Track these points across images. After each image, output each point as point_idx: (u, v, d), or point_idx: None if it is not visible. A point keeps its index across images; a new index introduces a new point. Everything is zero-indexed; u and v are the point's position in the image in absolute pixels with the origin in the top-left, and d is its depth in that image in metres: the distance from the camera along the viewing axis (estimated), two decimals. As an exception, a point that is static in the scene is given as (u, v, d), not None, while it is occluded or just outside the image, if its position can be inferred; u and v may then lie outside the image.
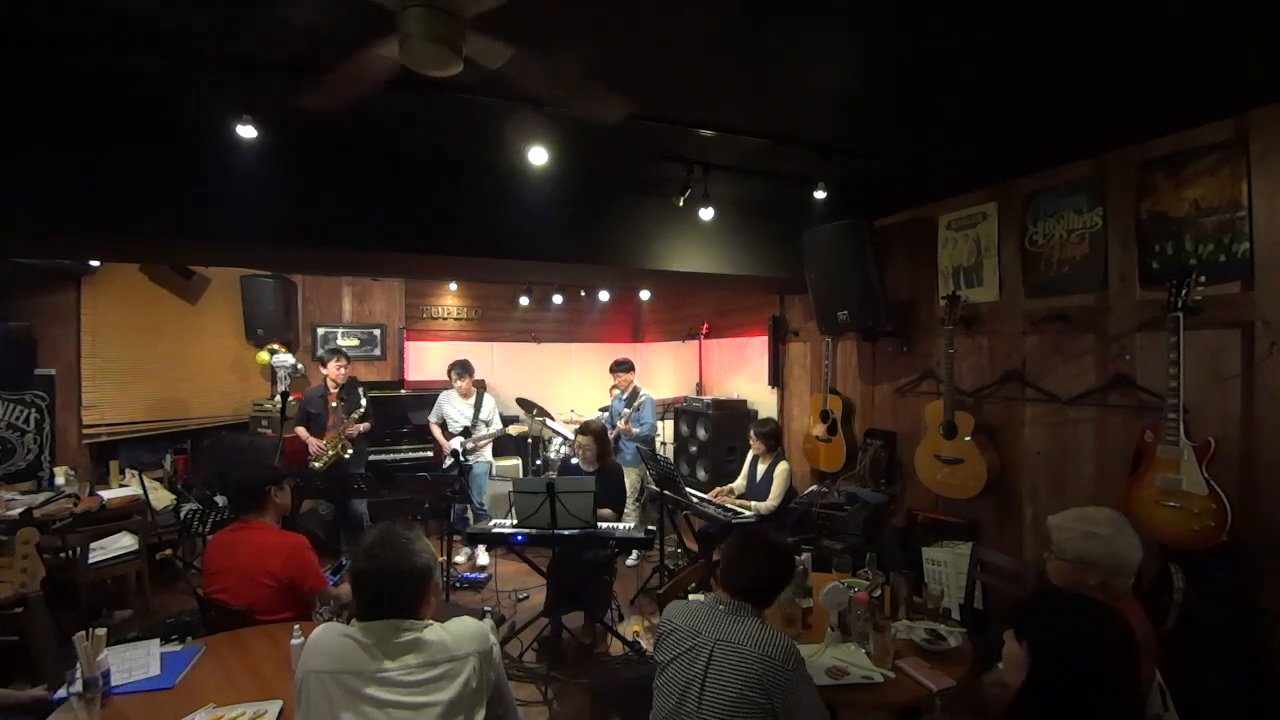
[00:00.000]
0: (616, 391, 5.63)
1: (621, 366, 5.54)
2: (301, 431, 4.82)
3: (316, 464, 4.73)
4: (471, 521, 4.82)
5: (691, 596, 2.56)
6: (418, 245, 3.51)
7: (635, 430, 5.29)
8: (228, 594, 2.39)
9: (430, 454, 5.89)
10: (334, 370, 4.85)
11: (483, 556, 5.02)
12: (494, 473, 5.47)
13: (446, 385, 5.41)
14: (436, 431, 5.35)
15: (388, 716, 1.46)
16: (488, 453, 5.41)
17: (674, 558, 4.78)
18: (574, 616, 3.77)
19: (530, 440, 6.16)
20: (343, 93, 2.05)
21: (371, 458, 5.27)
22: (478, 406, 5.28)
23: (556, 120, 2.57)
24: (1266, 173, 2.56)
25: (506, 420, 5.59)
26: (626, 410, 5.38)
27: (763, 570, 1.89)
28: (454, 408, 5.30)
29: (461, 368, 5.26)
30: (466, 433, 5.11)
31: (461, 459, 5.08)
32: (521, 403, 6.36)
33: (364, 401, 4.93)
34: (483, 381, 6.12)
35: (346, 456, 4.78)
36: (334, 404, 4.85)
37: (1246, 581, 2.54)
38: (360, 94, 2.05)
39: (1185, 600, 2.52)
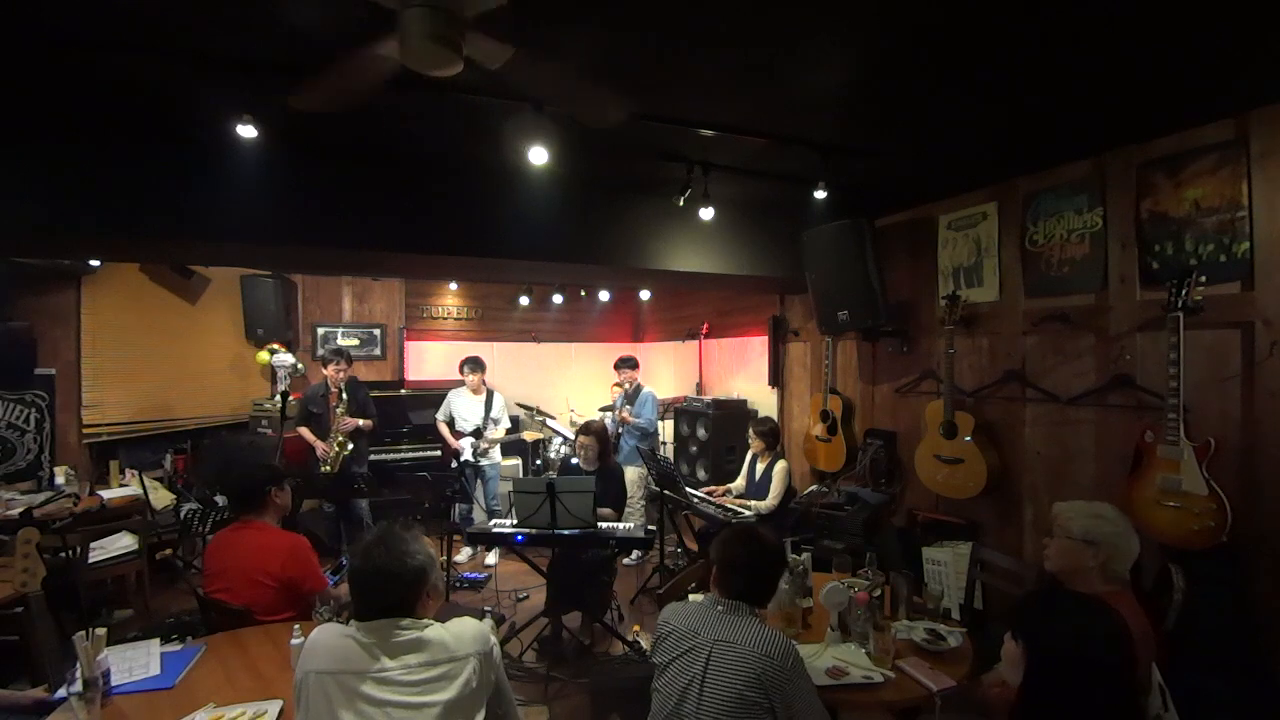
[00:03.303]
0: (618, 389, 5.62)
1: (626, 363, 5.54)
2: (306, 433, 4.82)
3: (326, 468, 4.73)
4: (477, 521, 4.82)
5: (691, 597, 2.56)
6: (418, 245, 3.51)
7: (633, 420, 5.29)
8: (228, 594, 2.38)
9: (431, 453, 5.89)
10: (331, 372, 4.85)
11: (491, 557, 5.03)
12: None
13: (446, 384, 5.41)
14: (444, 430, 5.34)
15: (387, 716, 1.46)
16: (497, 454, 5.42)
17: (674, 558, 4.78)
18: (574, 616, 3.77)
19: (527, 441, 6.17)
20: (341, 93, 2.04)
21: (372, 458, 5.27)
22: (488, 405, 5.28)
23: (557, 120, 2.57)
24: (1266, 173, 2.56)
25: (513, 420, 5.60)
26: (630, 406, 5.39)
27: (753, 573, 1.88)
28: (464, 405, 5.30)
29: (474, 363, 5.27)
30: (478, 433, 5.11)
31: (474, 460, 5.10)
32: (522, 407, 6.38)
33: (344, 395, 4.87)
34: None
35: (348, 451, 4.79)
36: (335, 404, 4.85)
37: (1246, 581, 2.55)
38: (359, 95, 2.04)
39: (1185, 600, 2.52)
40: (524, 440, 5.57)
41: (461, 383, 5.37)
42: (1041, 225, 3.40)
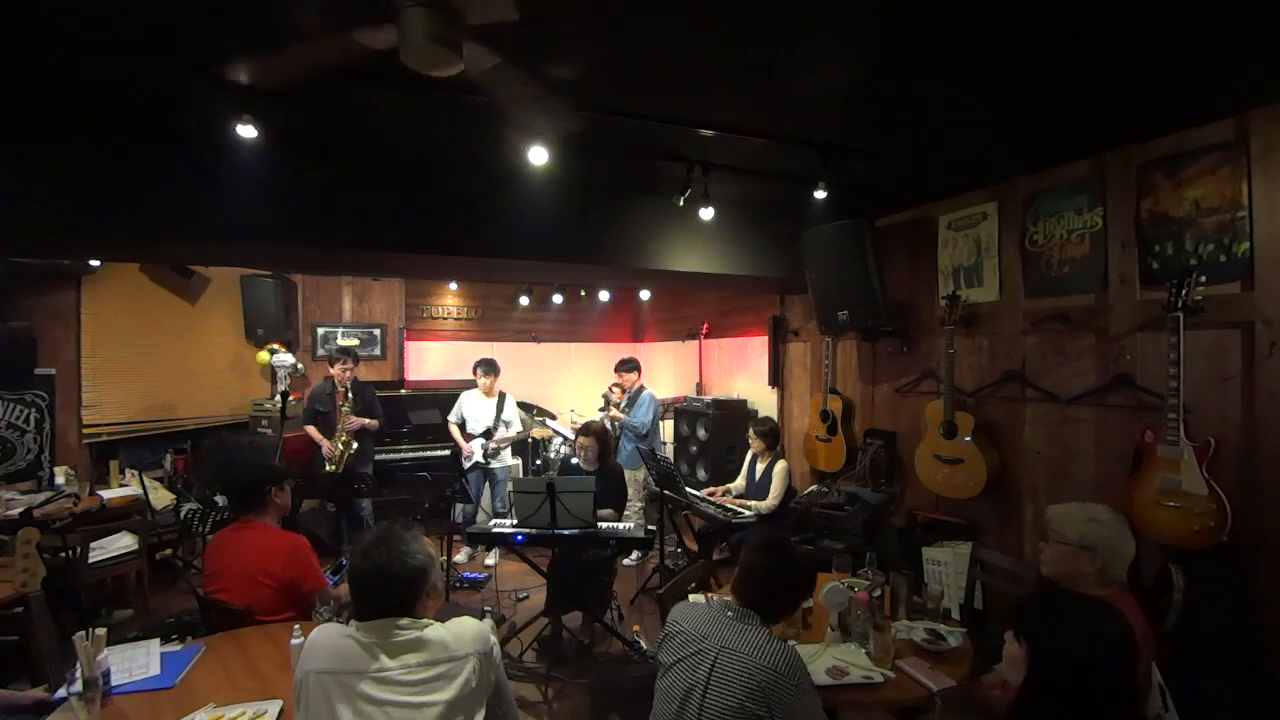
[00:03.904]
0: (619, 391, 5.60)
1: (626, 365, 5.53)
2: (313, 431, 4.85)
3: (331, 467, 4.74)
4: (479, 521, 4.84)
5: (692, 597, 2.56)
6: (418, 245, 3.51)
7: (624, 417, 5.29)
8: (228, 594, 2.38)
9: (431, 453, 5.89)
10: (338, 371, 4.88)
11: (491, 558, 5.04)
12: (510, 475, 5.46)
13: (447, 384, 5.40)
14: (455, 431, 5.34)
15: (387, 716, 1.46)
16: (508, 455, 5.41)
17: (674, 558, 4.78)
18: (574, 616, 3.77)
19: (531, 440, 6.17)
20: (303, 65, 1.99)
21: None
22: (499, 407, 5.28)
23: (557, 119, 2.56)
24: (1266, 173, 2.56)
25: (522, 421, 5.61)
26: (627, 410, 5.38)
27: (770, 586, 1.84)
28: (475, 407, 5.30)
29: (487, 366, 5.28)
30: (488, 434, 5.11)
31: (485, 461, 5.10)
32: (521, 405, 6.38)
33: (351, 395, 4.90)
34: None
35: (353, 451, 4.81)
36: (341, 403, 4.87)
37: (1246, 581, 2.54)
38: (317, 69, 1.97)
39: (1185, 600, 2.52)
40: (534, 439, 5.58)
41: (472, 384, 5.38)
42: (1041, 225, 3.40)
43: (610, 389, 5.66)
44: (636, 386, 5.50)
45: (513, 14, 1.69)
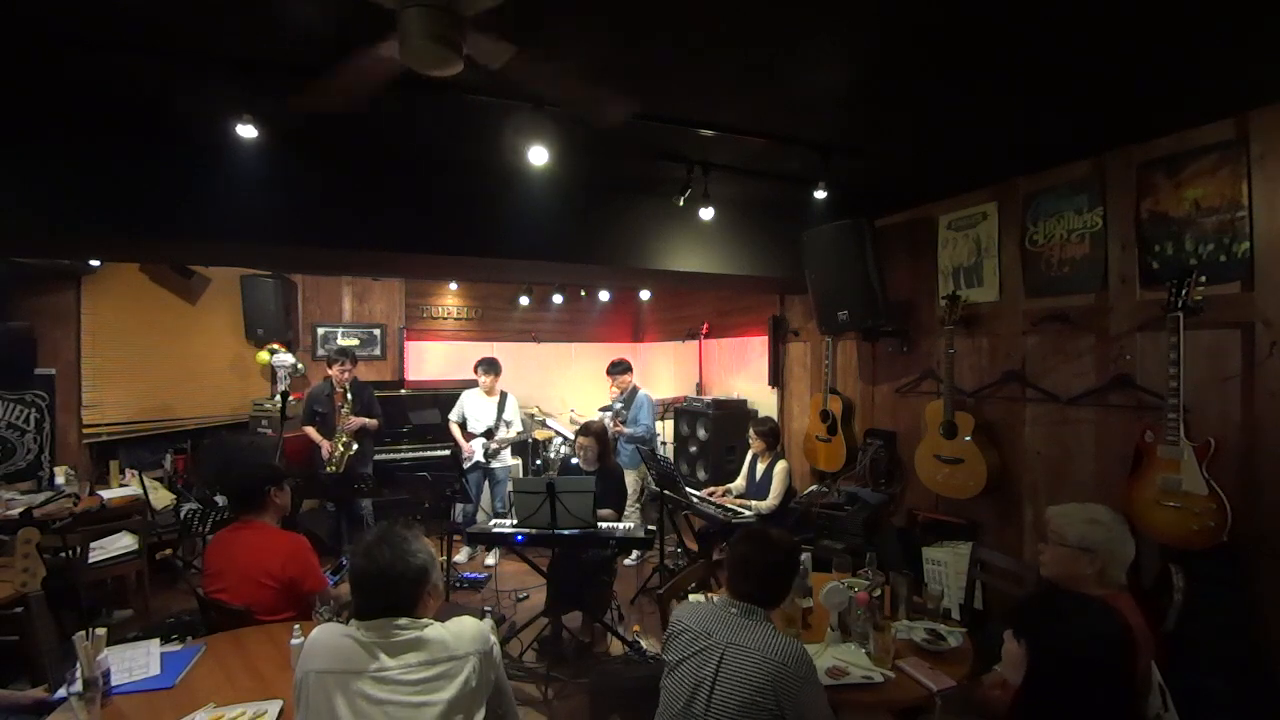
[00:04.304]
0: (615, 391, 5.61)
1: (618, 368, 5.51)
2: (313, 432, 4.86)
3: (331, 467, 4.75)
4: (479, 521, 4.84)
5: (692, 596, 2.56)
6: (418, 245, 3.51)
7: (627, 430, 5.29)
8: (228, 594, 2.38)
9: (430, 453, 5.89)
10: (336, 372, 4.88)
11: (491, 558, 5.04)
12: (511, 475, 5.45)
13: (447, 384, 5.40)
14: (456, 431, 5.34)
15: (387, 715, 1.46)
16: (508, 455, 5.42)
17: (674, 558, 4.78)
18: (574, 616, 3.77)
19: (531, 440, 6.18)
20: (342, 94, 2.04)
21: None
22: (501, 407, 5.28)
23: (557, 120, 2.57)
24: (1266, 173, 2.56)
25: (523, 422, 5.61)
26: (625, 411, 5.38)
27: (769, 572, 1.88)
28: (476, 406, 5.30)
29: (488, 365, 5.28)
30: (489, 434, 5.12)
31: (485, 461, 5.10)
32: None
33: (350, 397, 4.90)
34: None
35: (352, 451, 4.81)
36: (340, 404, 4.86)
37: (1246, 581, 2.54)
38: (362, 95, 2.04)
39: (1185, 600, 2.52)
40: (536, 439, 5.59)
41: (472, 384, 5.38)
42: (1041, 225, 3.40)
43: (610, 391, 5.65)
44: (631, 387, 5.49)
45: None
